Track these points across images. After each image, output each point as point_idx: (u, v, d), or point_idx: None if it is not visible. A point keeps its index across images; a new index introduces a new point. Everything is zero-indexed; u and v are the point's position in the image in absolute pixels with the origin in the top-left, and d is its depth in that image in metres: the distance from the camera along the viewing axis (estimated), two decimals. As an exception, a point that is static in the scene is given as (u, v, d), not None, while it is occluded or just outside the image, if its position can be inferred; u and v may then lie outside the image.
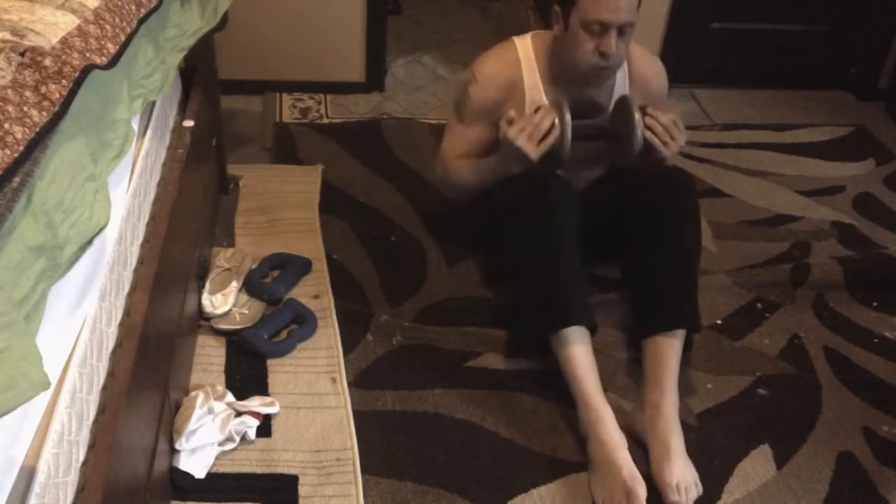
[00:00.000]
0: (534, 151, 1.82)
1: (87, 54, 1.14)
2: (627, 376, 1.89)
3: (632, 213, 1.91)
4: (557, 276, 1.79)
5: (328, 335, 1.94)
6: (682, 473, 1.59)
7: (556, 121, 1.83)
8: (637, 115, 1.83)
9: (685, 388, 1.85)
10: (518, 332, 1.95)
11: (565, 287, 1.79)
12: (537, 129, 1.82)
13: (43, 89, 1.01)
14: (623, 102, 1.90)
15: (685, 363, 1.90)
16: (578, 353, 1.73)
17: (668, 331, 1.79)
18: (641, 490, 1.53)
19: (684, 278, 1.85)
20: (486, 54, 2.03)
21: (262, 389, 1.79)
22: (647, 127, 1.84)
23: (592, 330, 1.80)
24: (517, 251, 1.86)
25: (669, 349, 1.76)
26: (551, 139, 1.82)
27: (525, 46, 1.99)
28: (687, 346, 1.83)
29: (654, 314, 1.83)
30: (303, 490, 1.58)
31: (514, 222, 1.87)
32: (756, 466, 1.70)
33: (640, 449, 1.67)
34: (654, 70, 2.06)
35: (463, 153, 2.05)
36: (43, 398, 1.03)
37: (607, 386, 1.77)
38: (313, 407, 1.76)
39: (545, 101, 1.95)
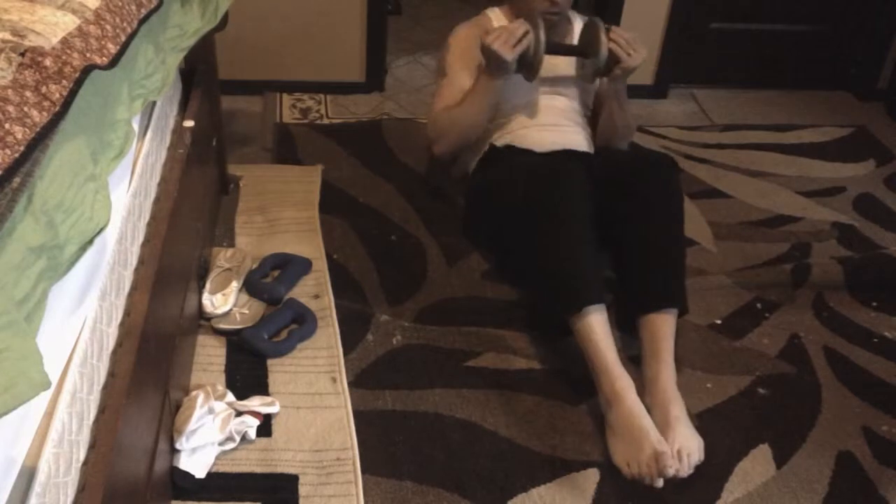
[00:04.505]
0: (509, 53, 1.99)
1: (88, 54, 1.14)
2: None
3: (616, 198, 2.00)
4: (575, 258, 1.85)
5: (328, 335, 1.94)
6: (683, 439, 1.63)
7: (530, 29, 2.01)
8: (602, 30, 2.09)
9: (685, 387, 1.84)
10: (540, 314, 2.01)
11: (584, 267, 1.85)
12: (512, 34, 2.00)
13: (43, 89, 1.00)
14: (591, 22, 2.15)
15: (686, 363, 1.91)
16: (598, 327, 1.78)
17: (658, 310, 1.85)
18: (669, 452, 1.57)
19: (668, 257, 1.93)
20: (463, 22, 2.31)
21: (263, 389, 1.79)
22: (612, 40, 2.08)
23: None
24: (530, 235, 1.91)
25: (663, 324, 1.83)
26: (525, 42, 2.01)
27: (496, 14, 2.29)
28: (681, 315, 1.89)
29: (642, 295, 1.90)
30: (303, 490, 1.58)
31: (527, 208, 1.93)
32: (756, 466, 1.70)
33: None
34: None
35: (450, 104, 2.21)
36: (43, 398, 1.03)
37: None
38: (313, 407, 1.76)
39: None
